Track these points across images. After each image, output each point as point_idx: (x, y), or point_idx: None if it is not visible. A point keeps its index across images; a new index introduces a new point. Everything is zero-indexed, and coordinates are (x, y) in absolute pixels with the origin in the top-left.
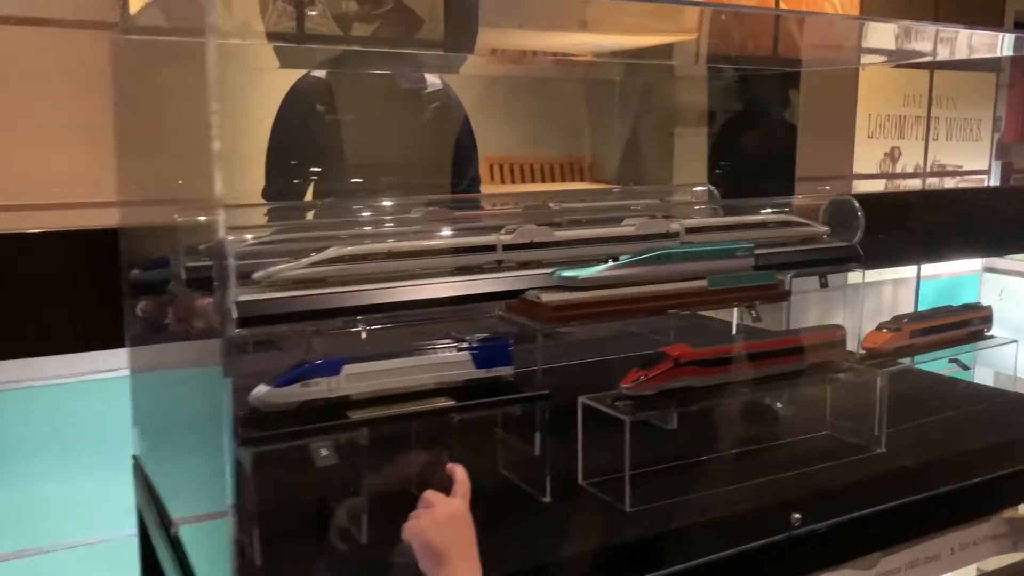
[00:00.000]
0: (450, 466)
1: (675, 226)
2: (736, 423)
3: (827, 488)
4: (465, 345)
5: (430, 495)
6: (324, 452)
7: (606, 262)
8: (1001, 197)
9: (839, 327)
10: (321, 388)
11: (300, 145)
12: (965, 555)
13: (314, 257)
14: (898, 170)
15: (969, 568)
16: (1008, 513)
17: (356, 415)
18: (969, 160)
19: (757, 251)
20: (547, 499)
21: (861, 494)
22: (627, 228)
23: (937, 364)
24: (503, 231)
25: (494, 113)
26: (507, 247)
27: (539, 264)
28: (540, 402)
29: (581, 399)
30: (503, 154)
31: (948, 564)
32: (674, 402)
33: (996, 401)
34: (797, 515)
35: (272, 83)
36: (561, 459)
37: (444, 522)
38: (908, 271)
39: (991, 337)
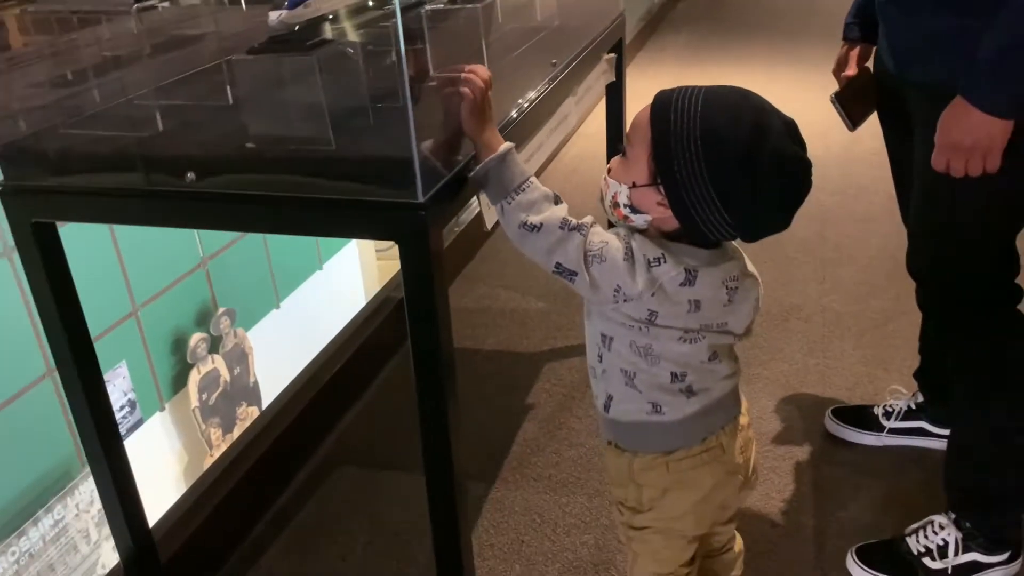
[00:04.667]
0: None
1: None
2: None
3: None
4: None
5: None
6: (351, 50)
7: None
8: None
9: None
10: (312, 8)
11: None
12: (595, 90)
13: None
14: None
15: None
16: (606, 56)
17: (344, 24)
18: None
19: None
20: None
21: None
22: None
23: None
24: None
25: None
26: None
27: None
28: None
29: None
30: None
31: (594, 94)
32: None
33: None
34: None
35: None
36: None
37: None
38: None
39: None
